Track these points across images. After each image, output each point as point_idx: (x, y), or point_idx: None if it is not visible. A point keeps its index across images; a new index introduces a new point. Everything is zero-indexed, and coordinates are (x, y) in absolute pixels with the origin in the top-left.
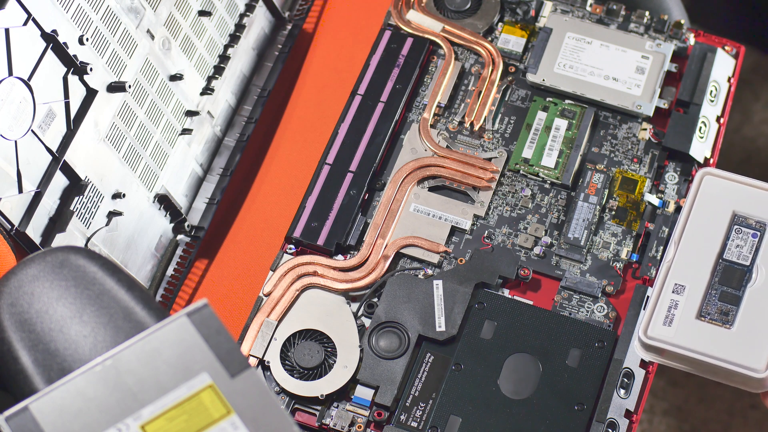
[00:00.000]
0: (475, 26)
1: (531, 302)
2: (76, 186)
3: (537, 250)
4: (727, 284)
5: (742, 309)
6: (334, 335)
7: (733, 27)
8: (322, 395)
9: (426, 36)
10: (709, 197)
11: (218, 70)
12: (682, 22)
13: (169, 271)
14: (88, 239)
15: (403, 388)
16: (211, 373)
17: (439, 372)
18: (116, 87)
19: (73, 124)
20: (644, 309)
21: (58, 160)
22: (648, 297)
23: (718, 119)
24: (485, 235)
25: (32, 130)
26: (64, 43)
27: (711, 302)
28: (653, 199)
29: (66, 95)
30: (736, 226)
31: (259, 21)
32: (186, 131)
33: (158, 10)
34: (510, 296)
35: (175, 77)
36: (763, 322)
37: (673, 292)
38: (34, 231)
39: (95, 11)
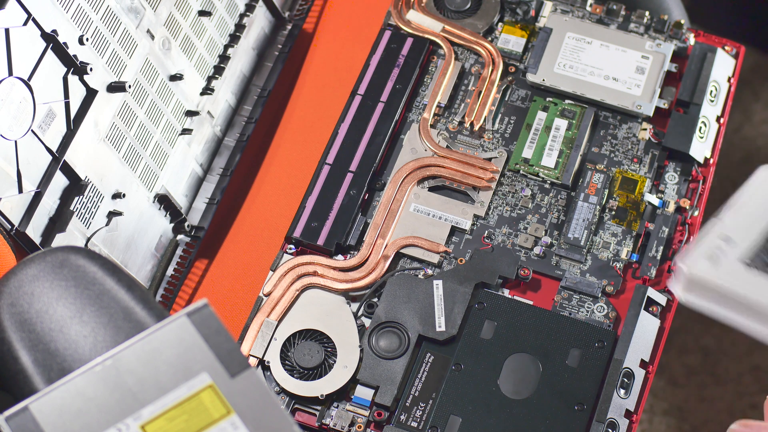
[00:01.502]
0: (475, 26)
1: (531, 302)
2: (76, 186)
3: (537, 250)
4: None
5: None
6: (334, 335)
7: (733, 27)
8: (322, 395)
9: (426, 36)
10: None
11: (218, 70)
12: (682, 22)
13: (169, 271)
14: (88, 239)
15: (403, 388)
16: (211, 373)
17: (439, 372)
18: (116, 87)
19: (73, 124)
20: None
21: (58, 160)
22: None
23: (718, 119)
24: (485, 235)
25: (32, 130)
26: (64, 43)
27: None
28: (653, 199)
29: (66, 95)
30: None
31: (259, 21)
32: (186, 131)
33: (158, 10)
34: (510, 296)
35: (175, 77)
36: None
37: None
38: (34, 231)
39: (95, 11)
